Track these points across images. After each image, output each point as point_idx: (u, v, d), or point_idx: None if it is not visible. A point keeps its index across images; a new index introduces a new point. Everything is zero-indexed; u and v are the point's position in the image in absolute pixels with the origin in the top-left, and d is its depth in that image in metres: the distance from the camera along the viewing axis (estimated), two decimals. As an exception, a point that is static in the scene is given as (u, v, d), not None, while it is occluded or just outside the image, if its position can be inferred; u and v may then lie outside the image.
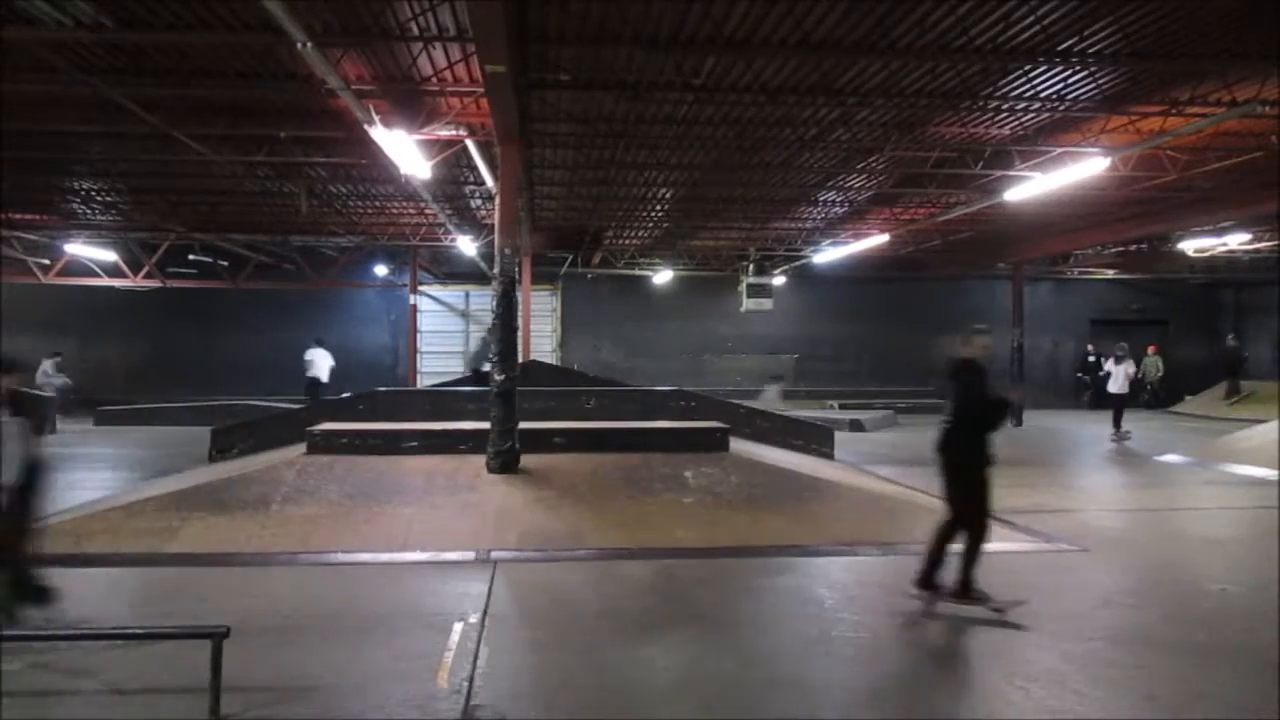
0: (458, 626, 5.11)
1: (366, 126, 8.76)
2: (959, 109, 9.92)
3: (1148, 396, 23.15)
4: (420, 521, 7.50)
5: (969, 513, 5.60)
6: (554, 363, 21.08)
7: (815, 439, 12.62)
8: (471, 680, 4.32)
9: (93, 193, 15.37)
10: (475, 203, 16.24)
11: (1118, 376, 16.05)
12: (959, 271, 23.36)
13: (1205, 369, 24.32)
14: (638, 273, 23.25)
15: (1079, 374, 24.52)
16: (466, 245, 18.19)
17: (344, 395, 13.61)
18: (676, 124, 10.53)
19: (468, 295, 23.60)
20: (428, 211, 16.30)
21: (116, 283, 20.24)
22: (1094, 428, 19.01)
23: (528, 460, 8.72)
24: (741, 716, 4.04)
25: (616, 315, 23.92)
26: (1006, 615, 5.37)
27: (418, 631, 5.06)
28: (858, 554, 7.14)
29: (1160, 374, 23.26)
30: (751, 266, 21.22)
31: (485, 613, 5.42)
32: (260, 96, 9.62)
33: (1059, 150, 11.16)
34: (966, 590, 5.53)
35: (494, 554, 6.88)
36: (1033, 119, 10.35)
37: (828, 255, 20.20)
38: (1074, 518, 8.83)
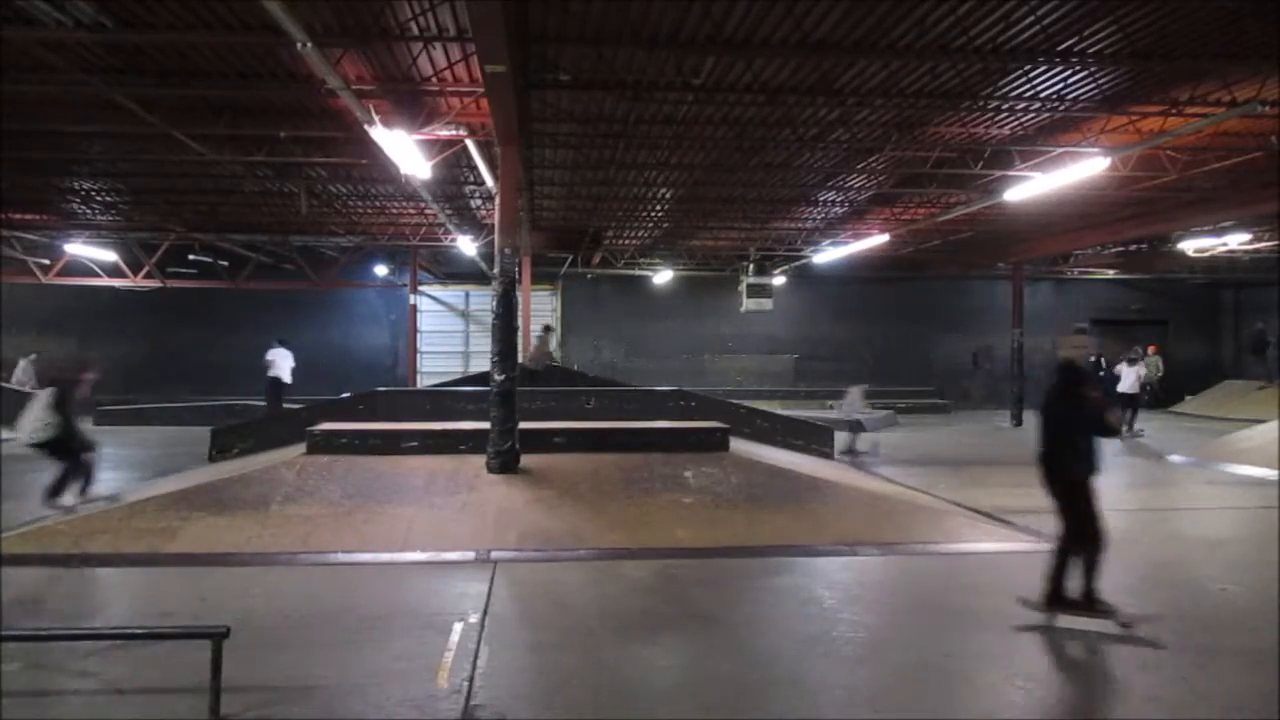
0: (458, 626, 5.11)
1: (366, 126, 8.76)
2: (959, 109, 9.92)
3: (1148, 397, 23.14)
4: (420, 521, 7.50)
5: (1082, 525, 5.32)
6: (554, 363, 21.07)
7: (815, 439, 12.63)
8: (471, 680, 4.32)
9: (93, 193, 15.36)
10: (475, 203, 16.23)
11: (1128, 377, 16.38)
12: (959, 271, 23.36)
13: (1205, 369, 24.35)
14: (638, 273, 23.24)
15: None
16: (466, 245, 18.19)
17: (344, 395, 13.61)
18: (676, 124, 10.53)
19: (468, 295, 23.60)
20: (428, 211, 16.29)
21: (116, 283, 20.23)
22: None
23: (528, 460, 8.72)
24: (741, 716, 4.04)
25: (616, 315, 23.92)
26: (1135, 630, 5.12)
27: (418, 631, 5.06)
28: (858, 554, 7.14)
29: (1160, 374, 23.25)
30: (751, 266, 21.20)
31: (485, 613, 5.42)
32: (260, 96, 9.62)
33: (1059, 150, 11.15)
34: (1092, 603, 5.28)
35: (494, 554, 6.88)
36: (1033, 119, 10.35)
37: (828, 255, 20.19)
38: (1074, 518, 8.82)
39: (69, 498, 8.03)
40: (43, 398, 8.27)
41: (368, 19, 7.48)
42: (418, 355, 22.35)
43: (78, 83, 8.56)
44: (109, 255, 19.33)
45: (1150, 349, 23.46)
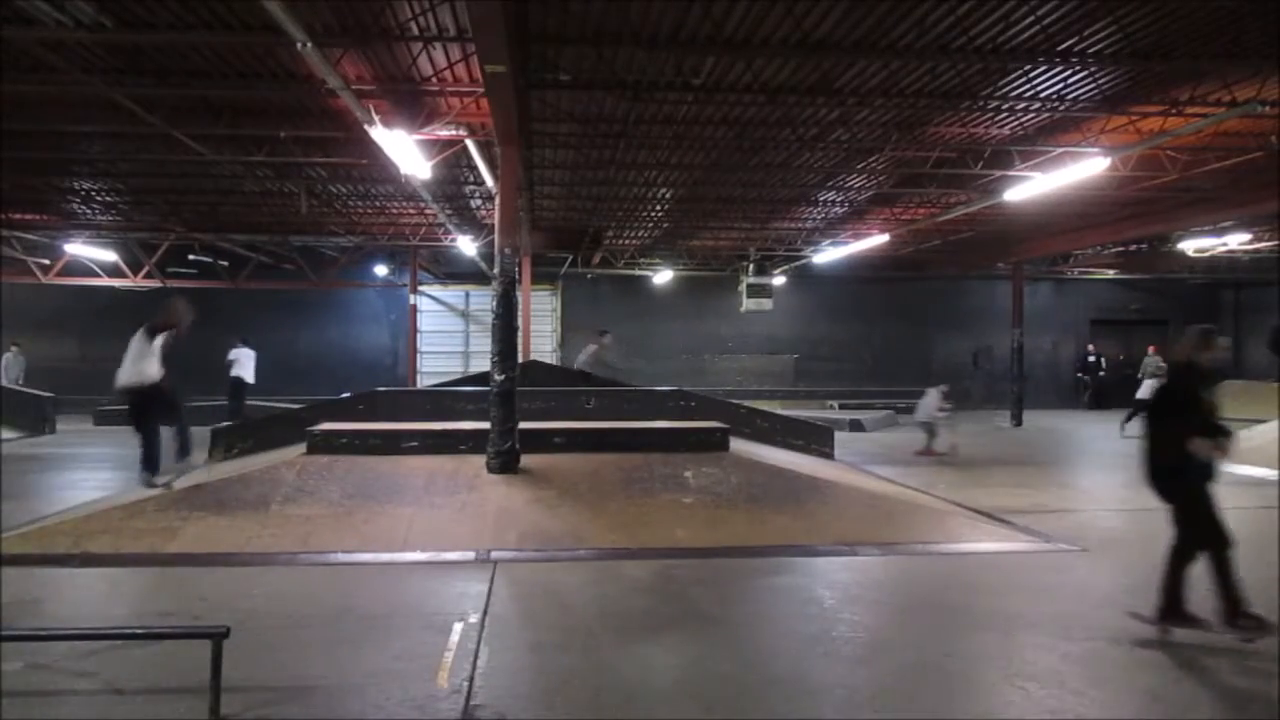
0: (458, 626, 5.11)
1: (366, 126, 8.76)
2: (959, 109, 9.92)
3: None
4: (420, 521, 7.50)
5: (1205, 532, 4.97)
6: (554, 363, 21.07)
7: (815, 439, 12.62)
8: (471, 680, 4.32)
9: (93, 193, 15.37)
10: (475, 203, 16.23)
11: (1146, 388, 16.88)
12: (959, 271, 23.37)
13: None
14: (638, 273, 23.25)
15: (1079, 374, 24.52)
16: (466, 245, 18.19)
17: (344, 395, 13.60)
18: (676, 124, 10.53)
19: (468, 295, 23.60)
20: (428, 211, 16.29)
21: (116, 283, 20.23)
22: (1094, 427, 19.04)
23: (528, 460, 8.72)
24: (741, 717, 4.04)
25: (616, 315, 23.87)
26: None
27: (418, 631, 5.06)
28: (858, 554, 7.14)
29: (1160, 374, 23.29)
30: (751, 266, 21.21)
31: (485, 613, 5.42)
32: (260, 96, 9.62)
33: (1059, 150, 11.15)
34: (1236, 614, 4.83)
35: (494, 554, 6.88)
36: (1033, 119, 10.35)
37: (828, 255, 20.19)
38: (1074, 517, 8.84)
39: (164, 475, 7.93)
40: (143, 342, 7.98)
41: (368, 19, 7.49)
42: (418, 355, 22.35)
43: (78, 83, 8.56)
44: (109, 255, 19.33)
45: (1150, 349, 23.51)
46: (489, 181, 11.84)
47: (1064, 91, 9.23)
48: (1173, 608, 5.02)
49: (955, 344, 24.61)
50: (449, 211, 16.17)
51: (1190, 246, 19.58)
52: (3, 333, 18.37)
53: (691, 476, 8.59)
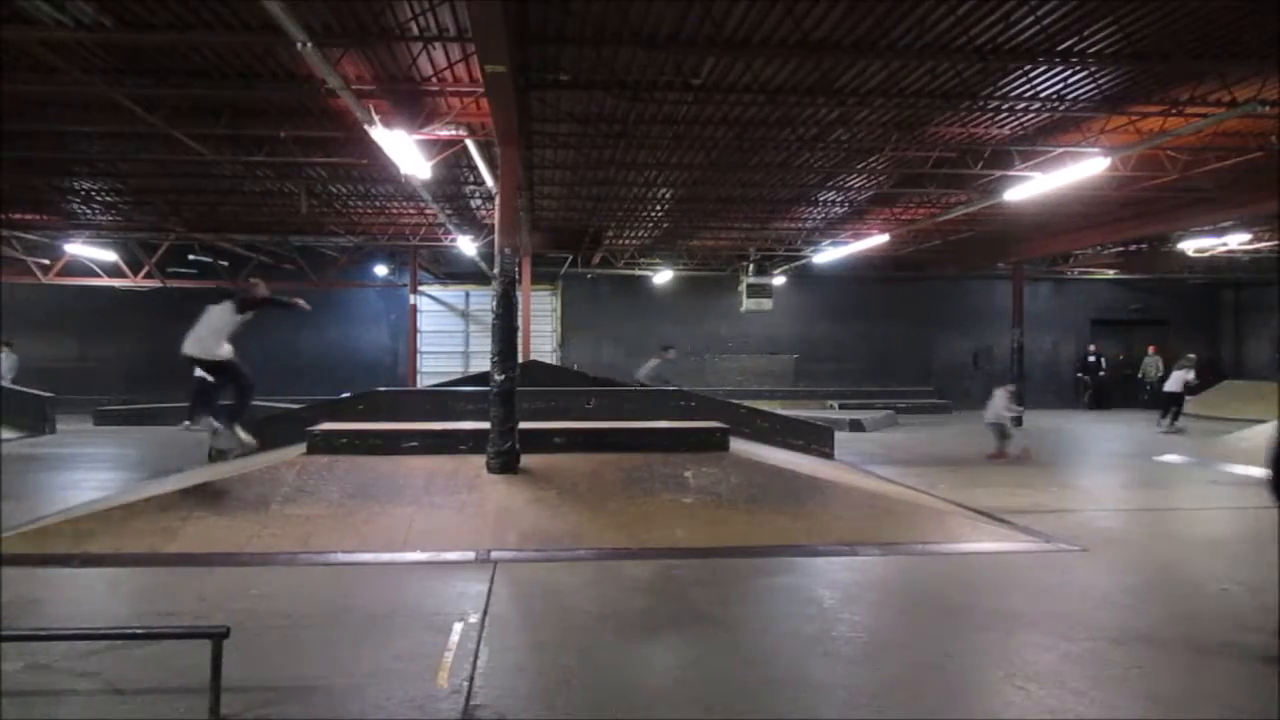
0: (458, 626, 5.11)
1: (366, 126, 8.76)
2: (959, 109, 9.92)
3: (1147, 397, 23.16)
4: (420, 521, 7.50)
5: None
6: (554, 363, 21.08)
7: (815, 439, 12.61)
8: (471, 680, 4.32)
9: (93, 193, 15.37)
10: (475, 203, 16.24)
11: (1174, 380, 17.64)
12: (959, 271, 23.37)
13: (1206, 369, 24.29)
14: (638, 273, 23.25)
15: (1079, 374, 24.53)
16: (466, 245, 18.19)
17: (344, 395, 13.60)
18: (676, 124, 10.53)
19: (468, 295, 23.59)
20: (428, 211, 16.30)
21: (116, 283, 20.23)
22: (1094, 428, 19.05)
23: (528, 460, 8.72)
24: (741, 717, 4.04)
25: (616, 315, 23.92)
26: None
27: (418, 631, 5.06)
28: (858, 554, 7.13)
29: (1160, 374, 23.26)
30: (751, 266, 21.21)
31: (485, 613, 5.42)
32: (260, 96, 9.62)
33: (1059, 150, 11.16)
34: None
35: (494, 554, 6.88)
36: (1033, 119, 10.35)
37: (828, 255, 20.19)
38: (1073, 517, 8.83)
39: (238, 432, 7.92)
40: (227, 315, 7.89)
41: (368, 19, 7.49)
42: (418, 355, 22.36)
43: (78, 83, 8.56)
44: (109, 255, 19.33)
45: (1150, 349, 23.53)
46: (489, 181, 11.85)
47: (1064, 91, 9.23)
48: None
49: (955, 344, 24.61)
50: (449, 211, 16.17)
51: (1190, 246, 19.58)
52: (2, 332, 18.37)
53: (691, 476, 8.59)
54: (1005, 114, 10.12)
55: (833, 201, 15.64)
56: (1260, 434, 12.82)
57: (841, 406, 20.84)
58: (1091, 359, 23.97)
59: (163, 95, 9.31)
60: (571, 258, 21.55)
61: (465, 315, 23.70)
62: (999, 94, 9.36)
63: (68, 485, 10.44)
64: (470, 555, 6.88)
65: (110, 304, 21.56)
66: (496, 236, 8.97)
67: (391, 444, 8.90)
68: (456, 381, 14.02)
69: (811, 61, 8.38)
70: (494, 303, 8.87)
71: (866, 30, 7.58)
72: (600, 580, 6.32)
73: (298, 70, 8.57)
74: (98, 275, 20.06)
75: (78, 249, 18.79)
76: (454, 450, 8.91)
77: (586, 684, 4.37)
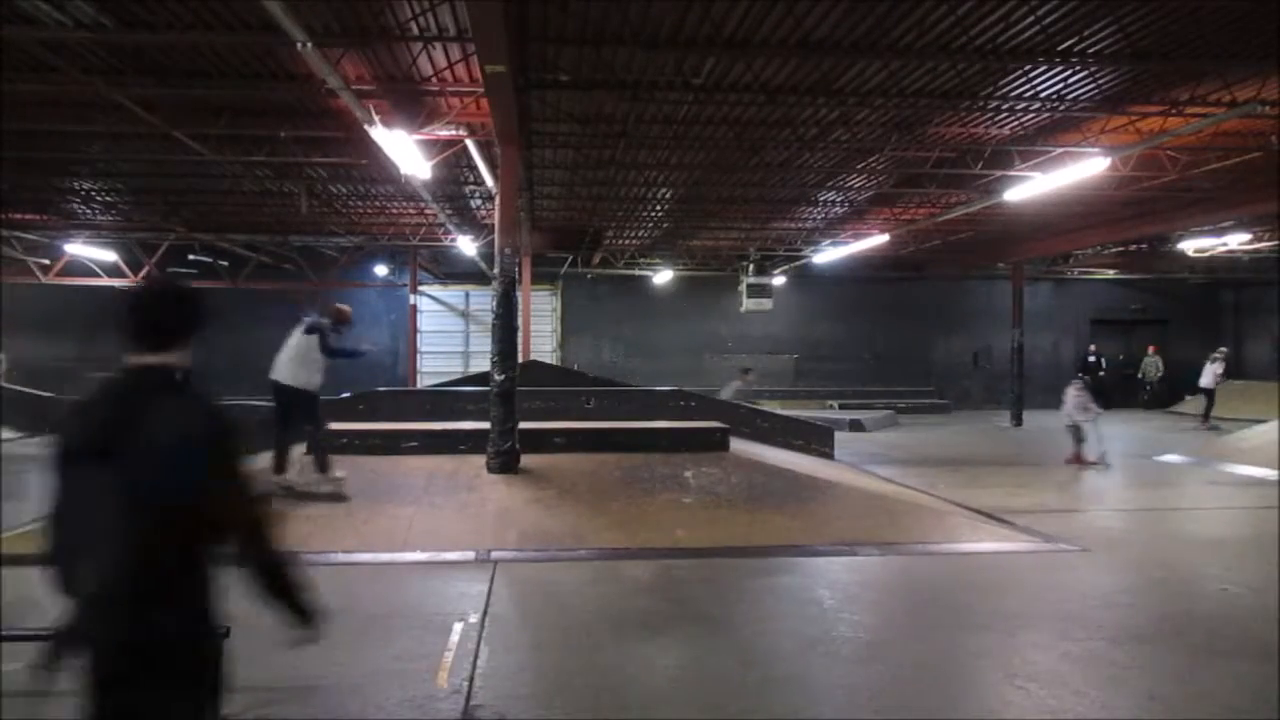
0: (458, 626, 5.11)
1: (366, 126, 8.75)
2: (959, 109, 9.91)
3: (1147, 396, 23.20)
4: (420, 521, 7.50)
5: None
6: (554, 363, 21.08)
7: (815, 439, 12.62)
8: (471, 680, 4.32)
9: (93, 193, 15.36)
10: (475, 203, 16.23)
11: (1207, 375, 18.08)
12: (959, 271, 23.36)
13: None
14: (638, 273, 23.24)
15: (1079, 374, 24.49)
16: (466, 245, 18.18)
17: (344, 395, 13.59)
18: (676, 124, 10.52)
19: (468, 295, 23.58)
20: (428, 211, 16.29)
21: (116, 283, 20.22)
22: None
23: (528, 460, 8.72)
24: (741, 717, 4.04)
25: (616, 315, 23.91)
26: None
27: (418, 631, 5.06)
28: (858, 554, 7.14)
29: (1160, 374, 23.30)
30: (751, 266, 21.20)
31: (485, 613, 5.42)
32: (260, 96, 9.61)
33: (1059, 150, 11.15)
34: None
35: (494, 554, 6.88)
36: (1033, 119, 10.35)
37: (828, 255, 20.19)
38: (1074, 518, 8.84)
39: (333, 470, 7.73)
40: (316, 343, 7.69)
41: (368, 19, 7.48)
42: (418, 355, 22.35)
43: (78, 83, 8.55)
44: (109, 255, 19.33)
45: (1150, 349, 23.52)
46: (489, 181, 11.84)
47: (1064, 91, 9.22)
48: None
49: (955, 344, 24.61)
50: (449, 211, 16.16)
51: (1190, 246, 19.57)
52: (2, 333, 18.36)
53: (691, 476, 8.59)
54: (1005, 114, 10.11)
55: (833, 201, 15.64)
56: (1260, 434, 12.86)
57: (841, 406, 20.84)
58: (1091, 359, 23.95)
59: (163, 95, 9.30)
60: (571, 258, 21.54)
61: (465, 315, 23.69)
62: (999, 94, 9.36)
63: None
64: (470, 555, 6.88)
65: (110, 304, 21.53)
66: (496, 236, 8.98)
67: (391, 444, 8.91)
68: (456, 381, 14.03)
69: (811, 61, 8.37)
70: (494, 303, 8.88)
71: (866, 30, 7.57)
72: (600, 580, 6.32)
73: (298, 70, 8.57)
74: (98, 275, 20.05)
75: (78, 249, 18.79)
76: (454, 450, 8.92)
77: (586, 684, 4.38)
